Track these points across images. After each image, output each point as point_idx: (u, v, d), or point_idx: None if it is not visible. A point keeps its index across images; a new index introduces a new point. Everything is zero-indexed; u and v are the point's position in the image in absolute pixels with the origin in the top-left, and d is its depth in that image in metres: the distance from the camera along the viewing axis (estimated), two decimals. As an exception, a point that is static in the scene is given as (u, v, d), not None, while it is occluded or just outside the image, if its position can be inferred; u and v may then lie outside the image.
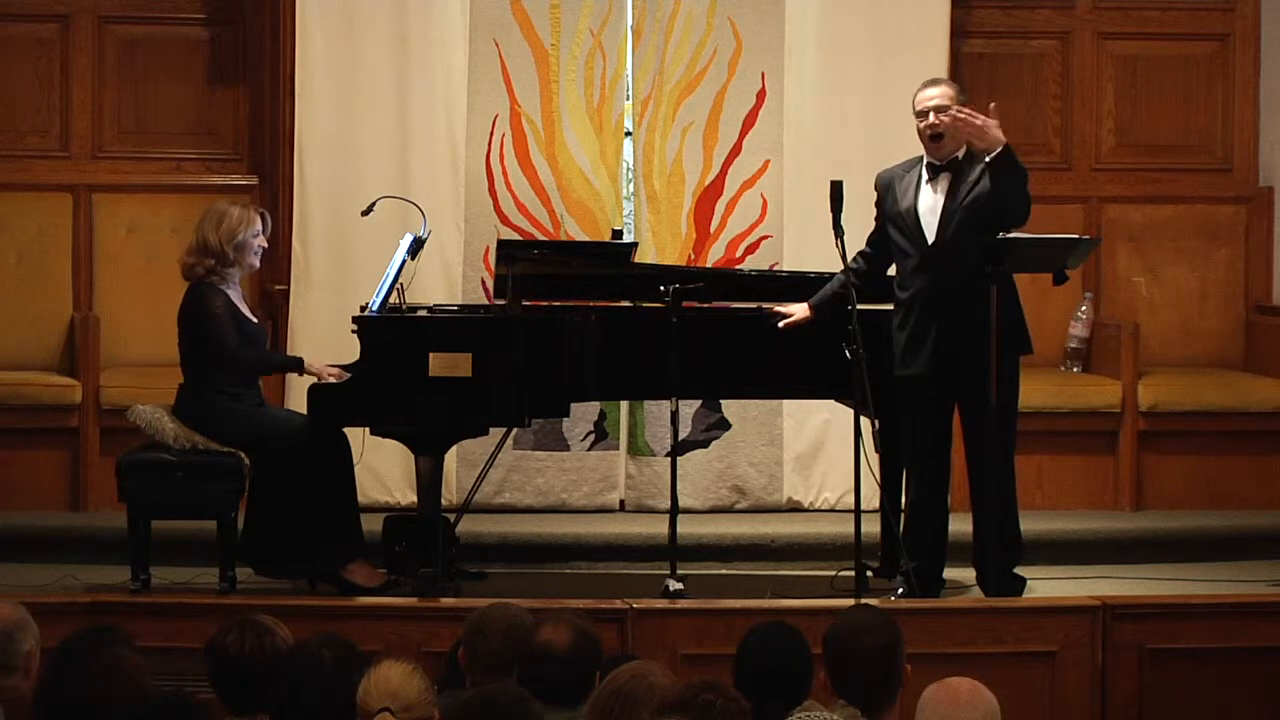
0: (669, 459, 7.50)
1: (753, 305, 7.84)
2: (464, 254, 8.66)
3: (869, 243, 7.51)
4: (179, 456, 7.37)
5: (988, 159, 7.10)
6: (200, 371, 7.45)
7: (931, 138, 7.29)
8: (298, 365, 7.60)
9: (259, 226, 7.51)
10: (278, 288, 8.70)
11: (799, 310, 7.52)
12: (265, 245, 7.60)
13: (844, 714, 4.58)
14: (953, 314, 7.18)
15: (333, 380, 7.38)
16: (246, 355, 7.45)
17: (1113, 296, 9.34)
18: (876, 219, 7.48)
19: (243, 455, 7.39)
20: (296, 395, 8.16)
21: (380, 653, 5.48)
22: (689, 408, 8.57)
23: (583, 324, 7.48)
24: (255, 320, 7.67)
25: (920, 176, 7.34)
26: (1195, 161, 9.51)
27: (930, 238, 7.26)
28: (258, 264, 7.63)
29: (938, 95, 7.31)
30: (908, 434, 7.36)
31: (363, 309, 7.50)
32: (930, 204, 7.30)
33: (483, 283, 8.58)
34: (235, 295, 7.51)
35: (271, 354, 7.69)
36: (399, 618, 6.52)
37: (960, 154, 7.31)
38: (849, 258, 7.29)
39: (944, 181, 7.29)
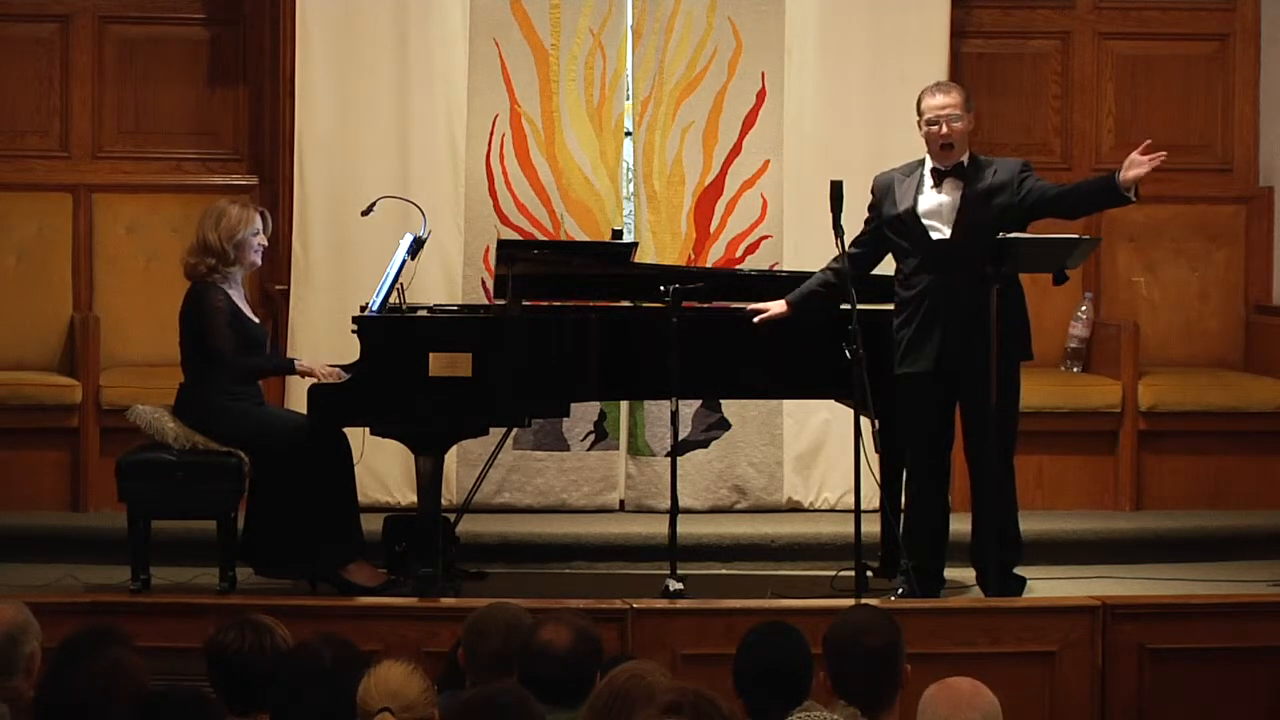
0: (669, 459, 7.50)
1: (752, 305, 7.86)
2: (464, 254, 8.66)
3: (856, 243, 7.44)
4: (179, 456, 7.37)
5: (1130, 191, 7.12)
6: (200, 371, 7.45)
7: (942, 147, 7.28)
8: (290, 367, 7.60)
9: (259, 225, 7.52)
10: (278, 288, 8.70)
11: (775, 306, 7.50)
12: (265, 243, 7.60)
13: (844, 714, 4.58)
14: (958, 313, 7.18)
15: (331, 380, 7.37)
16: (239, 360, 7.44)
17: (1113, 296, 9.34)
18: (868, 221, 7.46)
19: (243, 455, 7.40)
20: (296, 395, 8.16)
21: (380, 653, 5.48)
22: (689, 408, 8.57)
23: (583, 324, 7.48)
24: (257, 320, 7.67)
25: (922, 180, 7.32)
26: (1195, 161, 9.50)
27: (935, 237, 7.25)
28: (259, 262, 7.64)
29: (950, 105, 7.26)
30: (907, 432, 7.36)
31: (363, 309, 7.50)
32: (934, 206, 7.28)
33: (483, 283, 8.57)
34: (237, 294, 7.51)
35: (264, 359, 7.64)
36: (399, 618, 6.52)
37: (965, 159, 7.30)
38: (835, 256, 7.28)
39: (951, 185, 7.27)
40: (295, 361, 7.58)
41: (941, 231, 7.27)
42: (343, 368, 7.43)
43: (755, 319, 7.50)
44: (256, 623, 4.75)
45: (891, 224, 7.35)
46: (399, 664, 4.39)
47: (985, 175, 7.26)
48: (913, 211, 7.29)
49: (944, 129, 7.25)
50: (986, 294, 7.08)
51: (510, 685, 4.42)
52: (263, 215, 7.57)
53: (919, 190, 7.32)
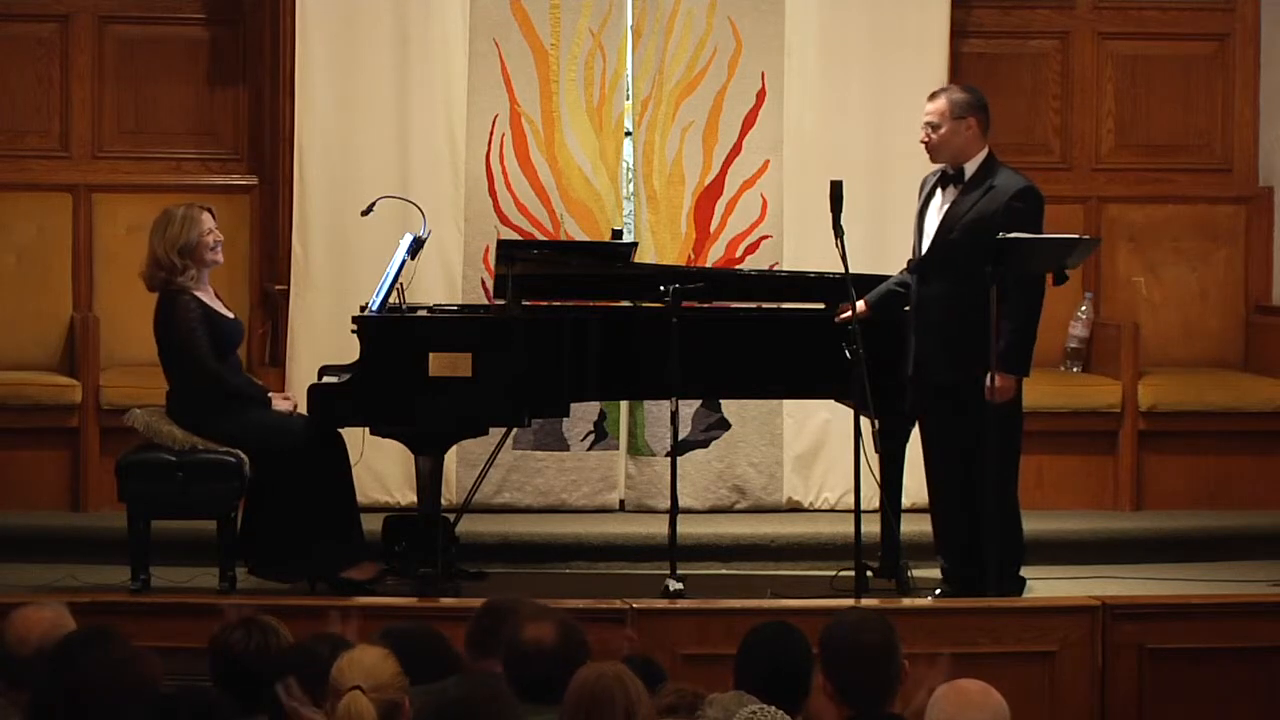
0: (669, 459, 7.50)
1: (753, 305, 7.85)
2: (464, 254, 8.66)
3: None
4: (179, 456, 7.37)
5: None
6: (182, 379, 7.43)
7: (925, 146, 7.28)
8: (264, 397, 7.57)
9: (205, 224, 7.44)
10: (278, 288, 8.70)
11: (856, 306, 7.32)
12: (221, 238, 7.53)
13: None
14: (927, 321, 7.15)
15: (287, 408, 7.45)
16: (229, 379, 7.43)
17: (1113, 296, 9.34)
18: None
19: (242, 455, 7.39)
20: (296, 395, 8.14)
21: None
22: (689, 408, 8.56)
23: (583, 324, 7.48)
24: (232, 315, 7.61)
25: (938, 182, 7.29)
26: (1195, 161, 9.50)
27: (925, 242, 7.24)
28: (220, 258, 7.55)
29: (931, 112, 7.23)
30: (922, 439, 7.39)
31: (363, 309, 7.51)
32: (932, 210, 7.26)
33: (483, 283, 8.57)
34: (206, 295, 7.45)
35: (247, 383, 7.62)
36: (399, 618, 6.50)
37: (972, 165, 7.21)
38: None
39: (950, 192, 7.23)
40: (271, 397, 7.61)
41: (928, 237, 7.26)
42: (342, 368, 7.44)
43: (836, 319, 7.36)
44: (263, 623, 4.74)
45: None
46: (374, 648, 4.39)
47: (979, 189, 7.18)
48: (920, 217, 7.28)
49: (923, 134, 7.25)
50: (952, 304, 7.03)
51: (487, 681, 4.38)
52: (210, 211, 7.50)
53: (931, 194, 7.30)
